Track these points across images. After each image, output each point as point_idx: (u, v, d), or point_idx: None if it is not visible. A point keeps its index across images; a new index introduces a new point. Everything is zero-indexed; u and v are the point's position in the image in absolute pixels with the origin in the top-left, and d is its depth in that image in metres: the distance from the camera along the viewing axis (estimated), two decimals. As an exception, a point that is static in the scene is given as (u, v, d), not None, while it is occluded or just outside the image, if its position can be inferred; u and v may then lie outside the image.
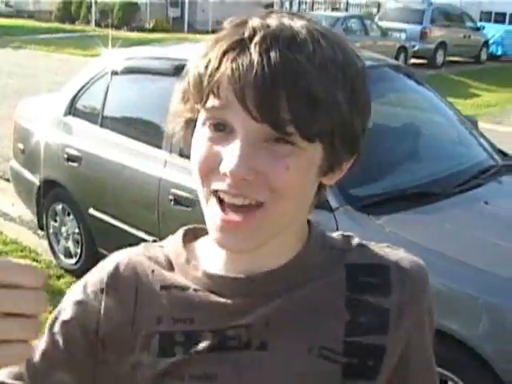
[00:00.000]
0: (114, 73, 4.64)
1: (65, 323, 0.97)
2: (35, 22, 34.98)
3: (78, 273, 5.04)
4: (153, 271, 0.97)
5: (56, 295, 4.75)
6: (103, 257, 4.06)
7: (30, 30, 29.57)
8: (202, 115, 0.86)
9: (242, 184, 0.83)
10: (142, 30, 28.80)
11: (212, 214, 0.87)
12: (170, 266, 0.97)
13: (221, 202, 0.85)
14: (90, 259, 4.95)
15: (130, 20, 30.40)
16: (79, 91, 4.96)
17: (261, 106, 0.79)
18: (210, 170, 0.85)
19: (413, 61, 19.25)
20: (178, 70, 4.10)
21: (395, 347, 0.95)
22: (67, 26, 32.79)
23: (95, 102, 4.79)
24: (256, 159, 0.82)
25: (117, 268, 0.98)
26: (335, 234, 1.02)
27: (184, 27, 30.04)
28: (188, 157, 3.42)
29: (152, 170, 4.11)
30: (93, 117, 4.76)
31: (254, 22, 0.84)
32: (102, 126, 4.66)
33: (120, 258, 1.01)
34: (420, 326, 0.99)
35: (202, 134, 0.87)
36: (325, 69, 0.82)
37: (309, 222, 0.99)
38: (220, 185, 0.84)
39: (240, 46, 0.82)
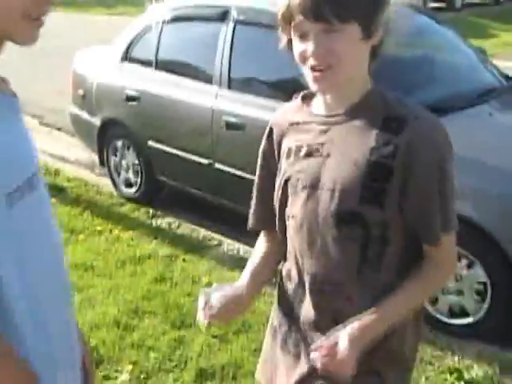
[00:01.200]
0: (164, 22, 5.30)
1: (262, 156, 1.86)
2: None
3: (139, 200, 5.75)
4: (289, 123, 1.76)
5: (122, 219, 5.48)
6: (162, 183, 5.01)
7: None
8: (293, 33, 1.59)
9: (320, 57, 1.54)
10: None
11: (309, 76, 1.59)
12: (295, 111, 1.77)
13: (312, 69, 1.58)
14: (149, 187, 5.66)
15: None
16: (132, 41, 5.64)
17: (314, 13, 1.51)
18: (304, 57, 1.57)
19: (432, 4, 19.55)
20: (222, 15, 4.77)
21: (399, 174, 1.56)
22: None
23: (149, 49, 5.46)
24: (322, 42, 1.53)
25: (271, 122, 1.82)
26: (392, 95, 1.67)
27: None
28: (236, 88, 4.22)
29: (205, 102, 4.80)
30: (148, 61, 5.44)
31: None
32: (156, 68, 5.34)
33: (272, 117, 1.83)
34: (424, 168, 1.58)
35: (295, 43, 1.60)
36: None
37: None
38: (310, 62, 1.57)
39: None
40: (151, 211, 5.60)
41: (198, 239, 5.07)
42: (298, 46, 1.57)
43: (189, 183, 5.24)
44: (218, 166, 4.81)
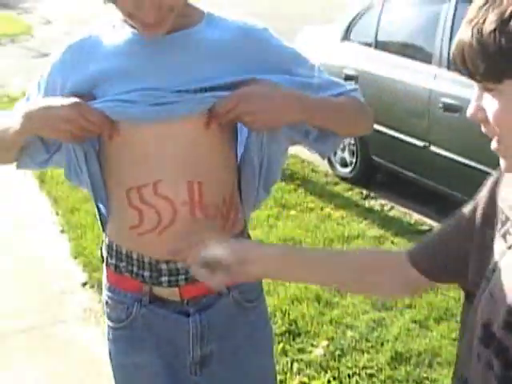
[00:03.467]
0: (386, 0, 5.24)
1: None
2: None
3: (353, 180, 5.75)
4: None
5: (334, 198, 5.52)
6: (377, 164, 4.91)
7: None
8: None
9: (474, 119, 1.07)
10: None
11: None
12: None
13: None
14: (364, 167, 5.64)
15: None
16: (353, 20, 5.63)
17: (458, 68, 1.05)
18: None
19: None
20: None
21: None
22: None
23: (369, 28, 5.42)
24: (476, 103, 1.04)
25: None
26: None
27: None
28: (456, 69, 4.02)
29: (423, 83, 4.67)
30: (367, 40, 5.40)
31: None
32: (376, 47, 5.29)
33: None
34: None
35: None
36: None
37: None
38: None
39: None
40: (364, 192, 5.58)
41: (410, 223, 4.97)
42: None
43: (403, 165, 5.14)
44: (433, 148, 4.67)
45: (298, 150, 6.72)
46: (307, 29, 6.71)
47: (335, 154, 5.95)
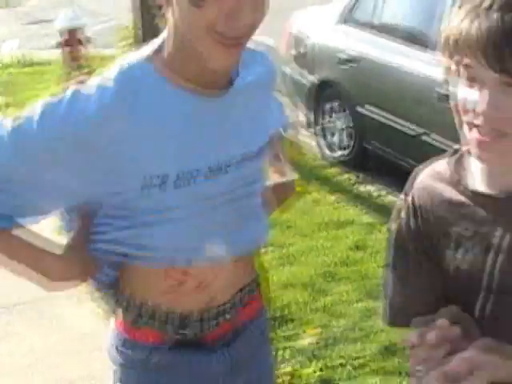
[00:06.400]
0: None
1: None
2: None
3: (345, 164, 5.69)
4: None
5: (325, 182, 5.47)
6: (370, 150, 4.80)
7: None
8: (461, 69, 1.11)
9: (491, 121, 1.07)
10: None
11: (471, 138, 1.12)
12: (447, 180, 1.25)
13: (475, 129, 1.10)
14: (358, 152, 5.59)
15: None
16: (351, 2, 5.61)
17: (494, 62, 1.03)
18: (466, 110, 1.11)
19: None
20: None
21: None
22: None
23: (367, 11, 5.39)
24: (501, 103, 1.06)
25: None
26: None
27: None
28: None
29: (420, 69, 4.66)
30: (365, 24, 5.37)
31: None
32: (373, 31, 5.26)
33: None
34: None
35: (460, 82, 1.12)
36: None
37: None
38: (472, 119, 1.10)
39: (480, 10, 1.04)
40: (356, 177, 5.53)
41: (402, 210, 4.94)
42: (463, 90, 1.11)
43: (397, 152, 5.10)
44: (427, 137, 4.65)
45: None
46: (303, 10, 6.64)
47: (325, 137, 5.89)
